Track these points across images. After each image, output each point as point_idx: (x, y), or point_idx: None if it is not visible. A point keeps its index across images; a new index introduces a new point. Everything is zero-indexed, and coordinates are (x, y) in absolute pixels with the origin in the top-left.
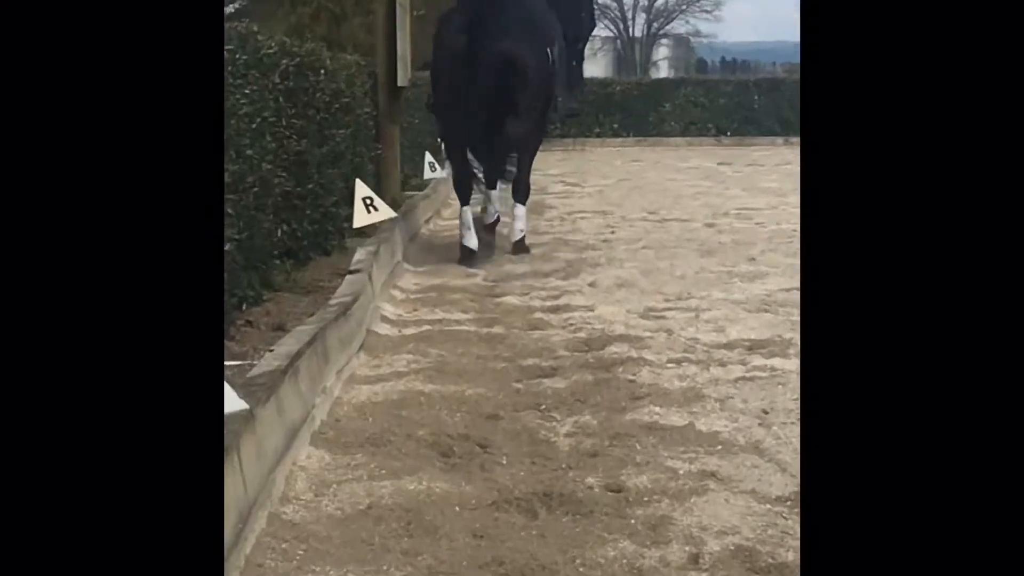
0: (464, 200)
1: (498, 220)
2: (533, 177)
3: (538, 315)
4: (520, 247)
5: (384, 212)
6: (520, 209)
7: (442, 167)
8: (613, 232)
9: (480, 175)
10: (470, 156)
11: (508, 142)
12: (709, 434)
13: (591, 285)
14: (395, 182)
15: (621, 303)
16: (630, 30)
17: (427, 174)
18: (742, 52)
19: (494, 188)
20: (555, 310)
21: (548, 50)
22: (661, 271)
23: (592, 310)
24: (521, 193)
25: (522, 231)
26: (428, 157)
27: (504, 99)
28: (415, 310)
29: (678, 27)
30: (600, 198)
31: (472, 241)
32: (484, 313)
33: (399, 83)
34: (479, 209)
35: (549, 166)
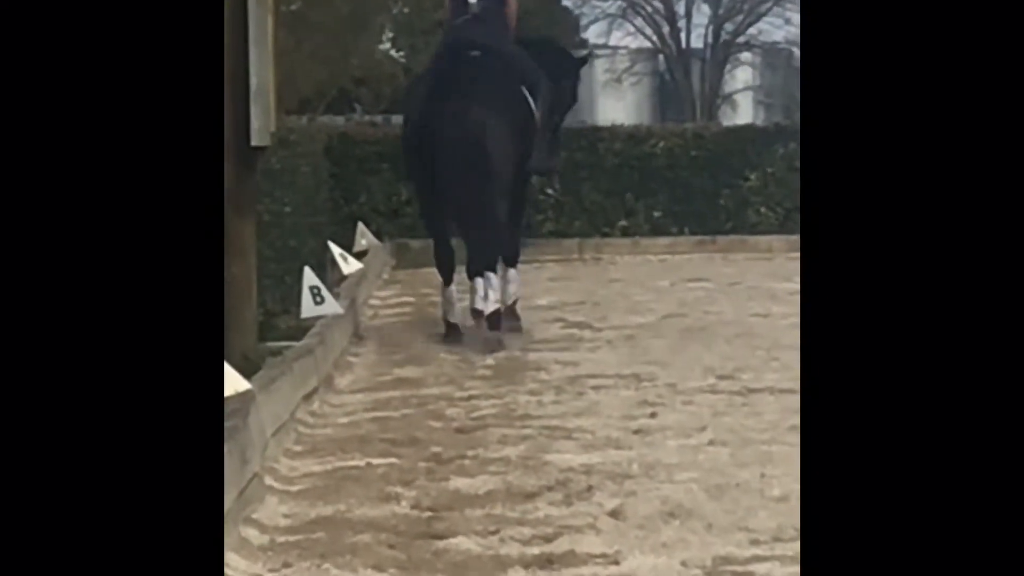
0: (447, 279)
1: (498, 312)
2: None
3: (516, 574)
4: (512, 315)
5: (226, 381)
6: (511, 272)
7: (335, 293)
8: (654, 415)
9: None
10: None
11: (482, 237)
12: None
13: (614, 515)
14: (249, 324)
15: (670, 549)
16: (683, 38)
17: (307, 308)
18: None
19: (477, 277)
20: (547, 563)
21: (529, 111)
22: (745, 488)
23: (617, 563)
24: (510, 256)
25: (514, 295)
26: (309, 277)
27: (470, 177)
28: (286, 566)
29: (771, 30)
30: (631, 351)
31: (457, 315)
32: (415, 570)
33: (255, 141)
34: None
35: (536, 290)
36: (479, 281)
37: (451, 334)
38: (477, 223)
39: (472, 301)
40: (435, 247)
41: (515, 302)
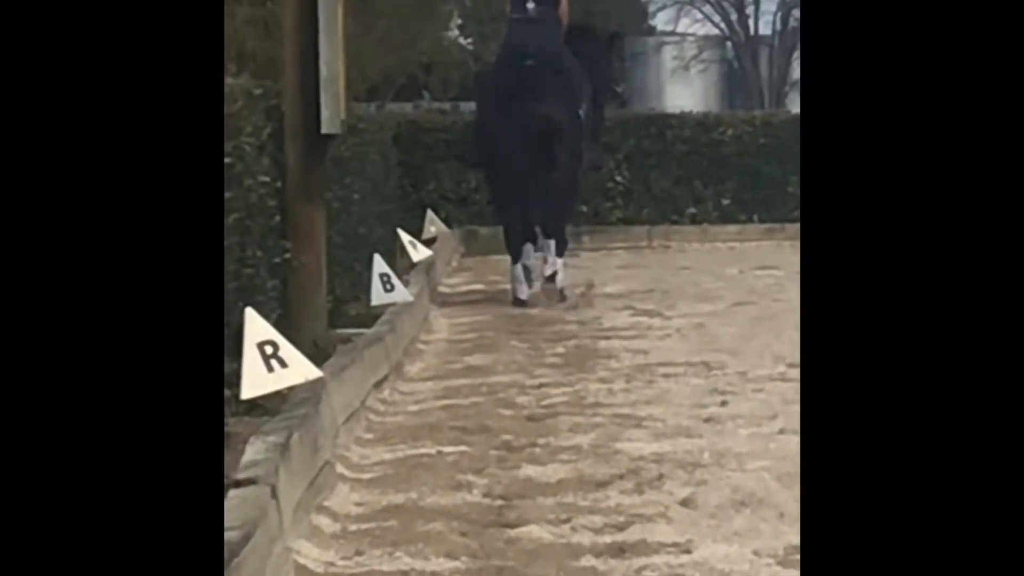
0: (515, 257)
1: (555, 274)
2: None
3: (588, 562)
4: (551, 285)
5: (297, 368)
6: (558, 261)
7: (404, 280)
8: (725, 404)
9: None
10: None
11: (548, 196)
12: None
13: (685, 504)
14: (319, 312)
15: (742, 538)
16: (751, 24)
17: (377, 295)
18: None
19: (532, 250)
20: (619, 552)
21: (579, 110)
22: None
23: (688, 552)
24: (558, 245)
25: (554, 267)
26: (379, 264)
27: (542, 159)
28: (358, 554)
29: None
30: (700, 339)
31: (524, 292)
32: (487, 559)
33: (325, 128)
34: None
35: (606, 278)
36: (551, 243)
37: (517, 307)
38: (549, 198)
39: (542, 269)
40: (505, 229)
41: (554, 273)
